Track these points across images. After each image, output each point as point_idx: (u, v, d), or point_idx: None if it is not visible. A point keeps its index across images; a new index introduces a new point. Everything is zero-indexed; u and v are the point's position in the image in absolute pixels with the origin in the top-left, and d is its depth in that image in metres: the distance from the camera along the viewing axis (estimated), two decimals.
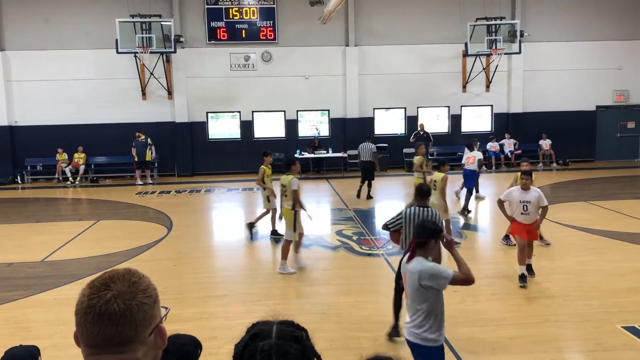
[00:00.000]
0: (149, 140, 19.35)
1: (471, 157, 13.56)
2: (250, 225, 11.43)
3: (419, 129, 19.94)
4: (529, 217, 8.07)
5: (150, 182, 19.44)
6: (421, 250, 4.36)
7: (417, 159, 13.03)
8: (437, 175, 10.02)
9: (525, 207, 8.04)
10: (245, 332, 1.52)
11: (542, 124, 21.11)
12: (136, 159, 19.28)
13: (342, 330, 6.57)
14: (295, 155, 20.12)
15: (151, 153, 19.44)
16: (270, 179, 11.43)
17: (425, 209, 6.47)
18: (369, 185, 15.71)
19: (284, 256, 8.84)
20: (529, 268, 8.36)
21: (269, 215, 11.38)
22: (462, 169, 13.86)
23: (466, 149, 14.41)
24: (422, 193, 6.77)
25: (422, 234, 4.43)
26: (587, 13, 21.48)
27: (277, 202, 10.51)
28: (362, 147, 16.15)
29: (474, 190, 13.78)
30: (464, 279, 4.22)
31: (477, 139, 14.84)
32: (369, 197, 15.49)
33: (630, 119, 22.26)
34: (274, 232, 11.24)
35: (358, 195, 15.57)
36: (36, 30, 20.04)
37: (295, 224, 8.91)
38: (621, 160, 21.12)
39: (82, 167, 19.95)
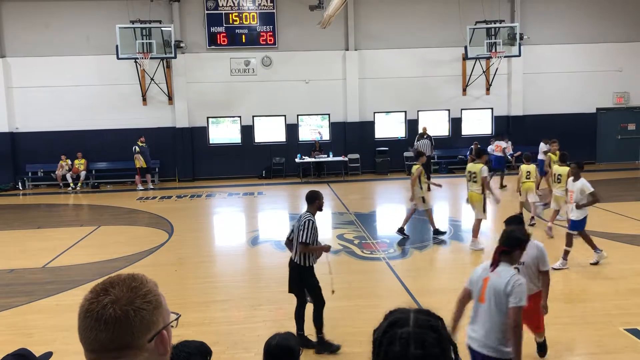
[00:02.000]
0: (136, 148, 19.25)
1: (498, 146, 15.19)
2: (438, 232, 11.41)
3: (421, 131, 19.90)
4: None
5: (152, 187, 19.43)
6: (506, 258, 4.28)
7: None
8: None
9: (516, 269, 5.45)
10: (383, 318, 1.56)
11: (542, 127, 21.08)
12: (141, 165, 19.28)
13: (344, 335, 6.55)
14: (297, 160, 20.16)
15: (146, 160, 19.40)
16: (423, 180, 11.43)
17: None
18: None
19: (475, 235, 10.07)
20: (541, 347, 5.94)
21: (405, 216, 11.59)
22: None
23: (542, 144, 15.80)
24: None
25: (508, 242, 4.33)
26: (587, 15, 21.51)
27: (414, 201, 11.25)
28: (421, 144, 17.65)
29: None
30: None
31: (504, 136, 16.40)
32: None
33: (630, 121, 22.27)
34: (437, 232, 11.34)
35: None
36: (37, 37, 20.09)
37: (484, 206, 10.08)
38: (622, 162, 21.11)
39: (83, 173, 19.96)
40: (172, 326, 1.52)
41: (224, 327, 6.91)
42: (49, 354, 3.00)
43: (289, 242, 6.45)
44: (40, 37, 20.11)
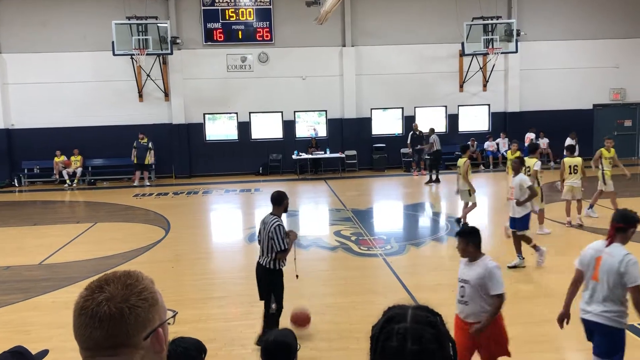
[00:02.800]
0: (150, 144, 19.29)
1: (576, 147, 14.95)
2: (460, 220, 11.69)
3: (413, 129, 19.93)
4: (466, 307, 4.74)
5: (148, 184, 19.39)
6: (621, 236, 4.57)
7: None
8: (530, 161, 10.73)
9: (462, 288, 4.78)
10: (382, 314, 1.55)
11: (539, 123, 21.10)
12: (135, 161, 19.25)
13: (341, 331, 6.56)
14: (293, 157, 20.14)
15: (150, 157, 19.37)
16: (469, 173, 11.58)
17: None
18: (437, 172, 17.85)
19: (541, 221, 10.80)
20: None
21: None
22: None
23: (569, 139, 16.04)
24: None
25: (624, 219, 4.61)
26: (584, 11, 21.51)
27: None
28: (434, 138, 18.44)
29: None
30: None
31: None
32: (438, 181, 17.67)
33: (627, 117, 22.31)
34: (459, 221, 11.61)
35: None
36: (33, 33, 20.00)
37: (542, 196, 10.74)
38: (618, 158, 21.09)
39: (79, 170, 19.91)
40: (169, 323, 1.51)
41: (221, 324, 6.91)
42: (45, 351, 2.99)
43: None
44: (36, 34, 20.01)
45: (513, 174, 9.00)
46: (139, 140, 19.24)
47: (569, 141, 15.73)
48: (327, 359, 5.94)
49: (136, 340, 1.39)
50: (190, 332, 6.17)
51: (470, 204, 11.60)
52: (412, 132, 19.87)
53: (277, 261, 6.11)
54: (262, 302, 6.27)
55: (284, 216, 6.38)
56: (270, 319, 6.13)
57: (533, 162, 10.69)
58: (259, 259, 6.24)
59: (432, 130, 18.99)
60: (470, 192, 11.47)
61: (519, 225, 8.78)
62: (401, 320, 1.47)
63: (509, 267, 8.53)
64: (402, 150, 21.21)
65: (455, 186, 11.97)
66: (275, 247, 6.00)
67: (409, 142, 19.80)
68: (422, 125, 20.18)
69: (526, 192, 8.71)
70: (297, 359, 3.23)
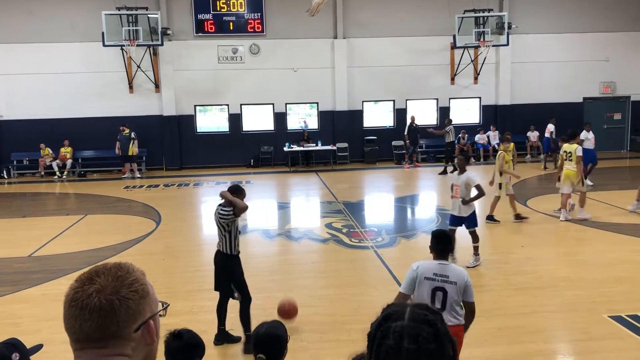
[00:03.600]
0: (132, 134, 19.14)
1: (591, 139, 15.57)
2: (491, 217, 11.42)
3: (410, 121, 19.96)
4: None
5: (138, 176, 19.29)
6: None
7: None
8: (571, 147, 11.12)
9: (432, 293, 4.37)
10: (381, 312, 1.52)
11: (530, 116, 21.20)
12: (120, 154, 19.13)
13: (333, 323, 6.58)
14: (285, 149, 20.12)
15: (134, 147, 19.21)
16: (509, 165, 11.41)
17: None
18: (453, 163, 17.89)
19: (582, 204, 11.27)
20: None
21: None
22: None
23: (584, 132, 15.91)
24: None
25: None
26: (575, 5, 21.57)
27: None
28: (451, 129, 18.64)
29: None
30: None
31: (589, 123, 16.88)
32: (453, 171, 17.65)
33: (616, 111, 22.45)
34: (490, 217, 11.37)
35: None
36: (20, 23, 19.77)
37: (582, 180, 11.12)
38: (608, 151, 21.26)
39: (69, 162, 19.77)
40: (160, 315, 1.51)
41: (212, 315, 6.90)
42: (40, 346, 2.99)
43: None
44: (23, 24, 19.78)
45: (458, 172, 8.72)
46: (121, 132, 19.09)
47: (584, 134, 15.79)
48: (317, 350, 5.96)
49: (127, 332, 1.39)
50: (182, 324, 6.16)
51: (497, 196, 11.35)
52: (409, 124, 19.89)
53: (232, 246, 6.11)
54: (253, 294, 6.24)
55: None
56: (241, 311, 6.10)
57: (574, 148, 11.10)
58: (218, 247, 6.24)
59: (449, 121, 19.17)
60: (502, 184, 11.28)
61: (468, 223, 8.47)
62: (399, 318, 1.45)
63: (468, 267, 8.06)
64: (394, 143, 21.25)
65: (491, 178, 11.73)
66: (225, 217, 5.99)
67: (406, 133, 19.80)
68: (417, 117, 20.23)
69: (472, 191, 8.44)
70: (288, 351, 3.24)
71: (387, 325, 1.45)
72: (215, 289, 6.31)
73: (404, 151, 20.28)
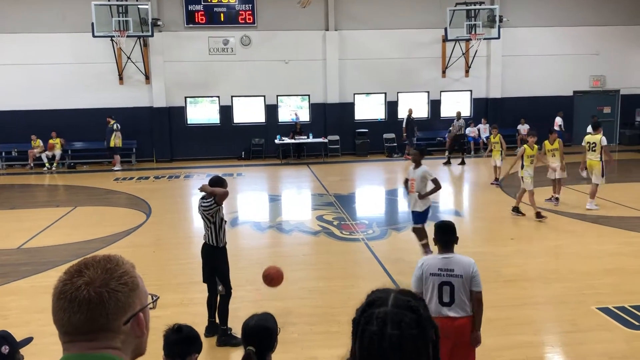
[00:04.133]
0: (115, 126, 18.94)
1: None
2: (516, 209, 11.28)
3: (408, 113, 20.01)
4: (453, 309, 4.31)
5: (119, 168, 19.05)
6: None
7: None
8: (595, 138, 11.50)
9: (440, 288, 4.31)
10: (365, 298, 1.54)
11: (520, 109, 21.28)
12: (105, 146, 19.02)
13: (323, 315, 6.60)
14: (276, 141, 20.08)
15: (116, 139, 19.00)
16: (531, 160, 11.19)
17: None
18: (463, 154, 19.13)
19: (592, 197, 11.50)
20: None
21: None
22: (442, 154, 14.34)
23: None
24: None
25: None
26: None
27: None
28: (461, 124, 19.27)
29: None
30: None
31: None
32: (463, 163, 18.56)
33: (606, 104, 22.58)
34: (516, 209, 11.23)
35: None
36: (9, 13, 19.54)
37: (603, 172, 11.35)
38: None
39: (58, 153, 19.62)
40: (150, 307, 1.50)
41: (203, 307, 6.89)
42: (29, 339, 2.97)
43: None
44: (12, 14, 19.56)
45: (414, 166, 8.39)
46: (107, 124, 18.95)
47: (590, 128, 15.92)
48: (308, 342, 5.98)
49: (116, 324, 1.38)
50: (173, 316, 6.15)
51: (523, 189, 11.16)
52: (407, 116, 19.91)
53: (218, 238, 6.10)
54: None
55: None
56: (221, 304, 6.08)
57: (599, 139, 11.41)
58: (204, 239, 6.24)
59: (458, 114, 19.48)
60: (524, 177, 11.11)
61: (420, 218, 8.34)
62: (382, 305, 1.47)
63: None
64: (385, 136, 21.27)
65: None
66: (208, 208, 6.02)
67: (404, 126, 19.82)
68: (404, 110, 20.23)
69: (429, 185, 8.29)
70: (278, 343, 3.24)
71: (370, 311, 1.47)
72: (204, 281, 6.32)
73: (406, 142, 20.36)
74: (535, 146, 11.35)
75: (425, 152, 9.04)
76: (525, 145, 11.36)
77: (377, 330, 1.42)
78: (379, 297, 1.51)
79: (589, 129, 15.63)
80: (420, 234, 8.41)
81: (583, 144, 12.03)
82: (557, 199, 12.12)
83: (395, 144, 21.14)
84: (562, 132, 19.12)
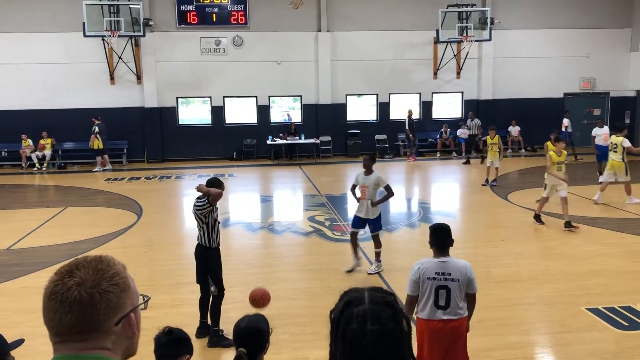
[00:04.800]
0: (95, 127, 18.75)
1: (602, 135, 15.38)
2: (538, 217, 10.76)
3: (408, 114, 20.09)
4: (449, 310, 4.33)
5: (96, 169, 18.93)
6: None
7: (552, 153, 10.54)
8: (617, 139, 11.90)
9: (436, 292, 4.34)
10: (339, 299, 1.61)
11: (511, 111, 21.38)
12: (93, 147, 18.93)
13: (314, 316, 6.60)
14: (268, 142, 20.07)
15: (98, 140, 18.77)
16: (557, 166, 10.41)
17: None
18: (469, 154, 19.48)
19: (629, 193, 12.03)
20: None
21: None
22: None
23: (597, 128, 16.15)
24: None
25: None
26: (555, 1, 21.74)
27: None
28: (475, 123, 19.81)
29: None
30: None
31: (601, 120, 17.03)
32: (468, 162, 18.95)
33: (596, 106, 22.72)
34: (537, 217, 10.69)
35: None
36: None
37: (626, 170, 11.82)
38: (587, 146, 21.47)
39: (48, 153, 19.49)
40: (141, 308, 1.50)
41: (194, 308, 6.88)
42: (21, 341, 2.96)
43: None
44: (3, 13, 19.42)
45: (365, 172, 8.10)
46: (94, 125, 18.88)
47: (595, 130, 15.97)
48: (300, 342, 5.98)
49: (107, 325, 1.38)
50: (164, 317, 6.15)
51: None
52: (408, 117, 19.98)
53: (211, 239, 6.11)
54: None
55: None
56: (213, 305, 6.05)
57: (620, 140, 11.82)
58: (197, 240, 6.24)
59: (472, 115, 19.93)
60: (547, 185, 10.78)
61: (374, 226, 8.10)
62: (359, 303, 1.54)
63: (369, 274, 8.02)
64: (377, 137, 21.31)
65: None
66: (201, 207, 6.02)
67: (407, 127, 19.91)
68: (399, 111, 20.30)
69: (380, 192, 8.16)
70: (269, 344, 3.25)
71: (349, 310, 1.53)
72: (197, 282, 6.31)
73: (405, 144, 20.47)
74: (564, 152, 10.57)
75: (375, 158, 8.70)
76: (551, 152, 10.55)
77: (358, 328, 1.49)
78: (355, 296, 1.58)
79: (595, 130, 15.81)
80: (377, 241, 8.18)
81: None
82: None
83: (387, 145, 21.19)
84: (572, 132, 19.36)
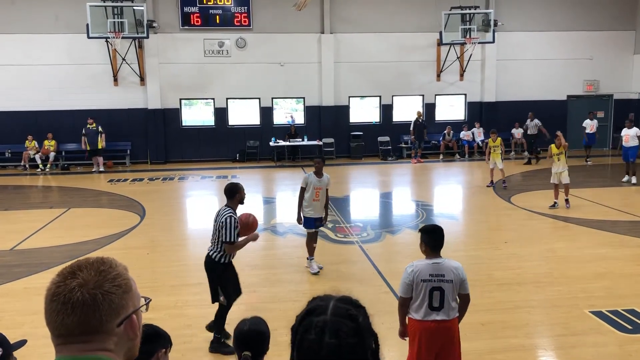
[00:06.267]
0: (99, 128, 18.93)
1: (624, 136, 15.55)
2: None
3: (417, 116, 20.09)
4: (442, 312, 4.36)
5: (102, 169, 19.01)
6: None
7: (555, 147, 12.33)
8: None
9: (430, 294, 4.34)
10: (306, 305, 1.52)
11: (514, 113, 21.34)
12: (88, 148, 18.95)
13: None
14: (271, 144, 20.08)
15: (102, 141, 18.97)
16: (557, 157, 12.05)
17: None
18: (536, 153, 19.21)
19: None
20: None
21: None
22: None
23: (625, 129, 15.90)
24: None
25: None
26: (560, 3, 21.72)
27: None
28: (534, 124, 19.46)
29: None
30: None
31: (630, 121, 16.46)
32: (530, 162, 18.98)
33: (599, 109, 22.65)
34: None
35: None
36: (2, 14, 19.46)
37: None
38: (598, 148, 21.51)
39: (52, 154, 19.53)
40: (142, 310, 1.50)
41: (196, 310, 6.89)
42: (24, 342, 2.96)
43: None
44: (6, 14, 19.48)
45: (317, 175, 8.49)
46: (88, 126, 18.88)
47: (625, 131, 15.84)
48: None
49: (109, 326, 1.38)
50: (166, 319, 6.17)
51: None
52: (415, 119, 19.98)
53: (223, 254, 5.89)
54: (223, 297, 5.98)
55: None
56: (219, 312, 5.97)
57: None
58: (208, 251, 6.01)
59: (532, 115, 19.70)
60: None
61: (320, 223, 8.53)
62: (321, 313, 1.45)
63: (313, 274, 8.24)
64: (380, 139, 21.31)
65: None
66: (222, 237, 5.76)
67: (412, 128, 19.92)
68: (402, 113, 20.27)
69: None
70: (270, 346, 3.24)
71: (309, 319, 1.45)
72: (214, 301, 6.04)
73: (411, 146, 20.42)
74: (566, 143, 12.25)
75: (324, 160, 9.07)
76: (551, 145, 12.25)
77: (315, 339, 1.41)
78: (319, 305, 1.49)
79: (625, 131, 15.70)
80: (315, 238, 8.57)
81: None
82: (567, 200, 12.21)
83: (390, 147, 21.18)
84: (594, 133, 19.42)
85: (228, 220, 5.75)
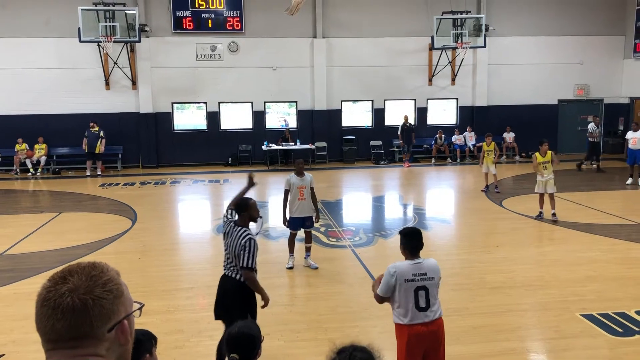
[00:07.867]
0: (101, 133, 18.91)
1: (632, 139, 15.45)
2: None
3: (404, 120, 20.15)
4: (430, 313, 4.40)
5: (99, 173, 18.97)
6: None
7: (540, 155, 11.65)
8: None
9: (415, 293, 4.40)
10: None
11: (506, 117, 21.47)
12: (86, 150, 18.91)
13: (310, 322, 6.59)
14: (263, 148, 20.07)
15: (101, 145, 18.94)
16: (543, 166, 11.52)
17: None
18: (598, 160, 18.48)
19: None
20: None
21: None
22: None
23: (631, 132, 15.85)
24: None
25: None
26: (550, 9, 21.88)
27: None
28: (594, 126, 18.62)
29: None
30: None
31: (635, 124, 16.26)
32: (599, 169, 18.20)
33: (590, 113, 22.77)
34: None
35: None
36: None
37: None
38: (581, 153, 21.56)
39: (43, 159, 19.42)
40: (135, 315, 1.50)
41: (189, 314, 6.87)
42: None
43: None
44: None
45: (298, 175, 8.81)
46: (90, 129, 18.85)
47: (630, 134, 15.81)
48: (294, 349, 5.97)
49: (100, 332, 1.37)
50: (158, 324, 6.15)
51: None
52: (402, 123, 20.04)
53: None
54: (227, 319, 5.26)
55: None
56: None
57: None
58: (225, 269, 5.40)
59: (597, 121, 19.14)
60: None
61: (311, 222, 8.79)
62: None
63: (287, 268, 8.63)
64: (372, 143, 21.36)
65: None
66: (241, 262, 5.14)
67: (399, 133, 19.98)
68: (395, 117, 20.30)
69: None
70: (263, 350, 3.24)
71: None
72: (217, 318, 5.43)
73: (401, 149, 20.49)
74: (549, 153, 11.59)
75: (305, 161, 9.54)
76: (536, 153, 11.70)
77: None
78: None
79: (630, 134, 15.66)
80: (310, 236, 8.90)
81: None
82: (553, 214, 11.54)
83: (382, 151, 21.22)
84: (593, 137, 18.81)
85: (248, 243, 5.17)
